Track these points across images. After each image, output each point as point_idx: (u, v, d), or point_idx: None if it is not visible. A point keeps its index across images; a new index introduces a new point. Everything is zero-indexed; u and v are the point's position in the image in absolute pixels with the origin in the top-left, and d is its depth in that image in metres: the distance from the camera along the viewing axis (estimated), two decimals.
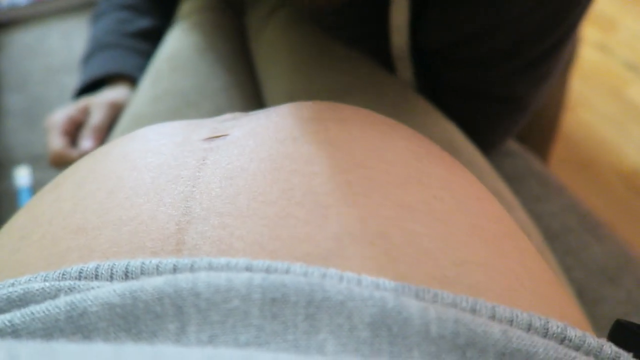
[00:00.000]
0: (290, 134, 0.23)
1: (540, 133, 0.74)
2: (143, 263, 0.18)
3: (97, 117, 0.55)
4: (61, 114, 0.55)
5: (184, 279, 0.16)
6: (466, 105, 0.47)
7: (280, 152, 0.22)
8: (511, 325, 0.17)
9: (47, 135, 0.55)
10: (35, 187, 0.63)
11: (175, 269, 0.17)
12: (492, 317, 0.17)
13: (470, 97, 0.47)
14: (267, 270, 0.17)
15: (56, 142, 0.53)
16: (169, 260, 0.18)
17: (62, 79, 0.73)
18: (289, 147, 0.22)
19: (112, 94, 0.57)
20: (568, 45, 0.43)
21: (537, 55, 0.42)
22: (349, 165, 0.22)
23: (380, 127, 0.25)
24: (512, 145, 0.58)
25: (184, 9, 0.63)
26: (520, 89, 0.46)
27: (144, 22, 0.63)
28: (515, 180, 0.55)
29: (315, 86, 0.46)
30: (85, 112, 0.56)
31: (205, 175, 0.22)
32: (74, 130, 0.55)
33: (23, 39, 0.78)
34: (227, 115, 0.28)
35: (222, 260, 0.17)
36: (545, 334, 0.17)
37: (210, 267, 0.17)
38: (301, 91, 0.47)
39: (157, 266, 0.18)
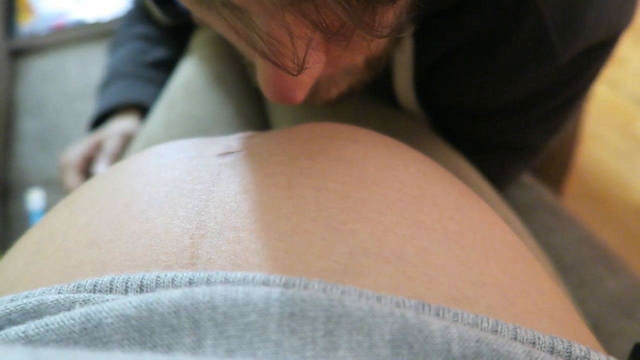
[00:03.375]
0: (304, 151, 0.23)
1: (555, 167, 0.74)
2: (158, 276, 0.18)
3: (111, 145, 0.55)
4: (76, 153, 0.56)
5: (200, 292, 0.16)
6: (478, 151, 0.46)
7: (294, 168, 0.22)
8: (534, 346, 0.17)
9: (63, 174, 0.55)
10: (48, 210, 0.63)
11: (191, 283, 0.17)
12: (514, 338, 0.16)
13: (482, 145, 0.46)
14: (285, 285, 0.17)
15: (73, 181, 0.54)
16: (185, 274, 0.18)
17: (78, 105, 0.74)
18: (303, 164, 0.23)
19: (124, 124, 0.58)
20: (583, 97, 0.42)
21: (551, 109, 0.41)
22: (363, 183, 0.22)
23: (393, 149, 0.25)
24: (524, 177, 0.58)
25: (197, 40, 0.64)
26: (533, 139, 0.45)
27: (159, 53, 0.64)
28: (527, 212, 0.54)
29: (321, 119, 0.47)
30: (99, 147, 0.57)
31: (219, 189, 0.22)
32: (88, 168, 0.56)
33: (41, 66, 0.80)
34: (242, 134, 0.28)
35: (239, 274, 0.17)
36: (569, 357, 0.17)
37: (227, 281, 0.17)
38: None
39: (173, 279, 0.17)
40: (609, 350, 0.44)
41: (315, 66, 0.25)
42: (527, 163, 0.49)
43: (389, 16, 0.22)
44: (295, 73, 0.23)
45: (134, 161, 0.25)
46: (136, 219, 0.21)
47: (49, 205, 0.64)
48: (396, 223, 0.20)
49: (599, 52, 0.36)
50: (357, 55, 0.28)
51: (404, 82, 0.43)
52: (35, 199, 0.64)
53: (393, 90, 0.45)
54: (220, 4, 0.22)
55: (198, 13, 0.25)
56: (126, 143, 0.56)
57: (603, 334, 0.46)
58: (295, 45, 0.22)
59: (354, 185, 0.21)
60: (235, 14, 0.22)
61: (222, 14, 0.22)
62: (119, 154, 0.56)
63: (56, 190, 0.65)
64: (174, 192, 0.22)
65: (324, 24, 0.21)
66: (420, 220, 0.20)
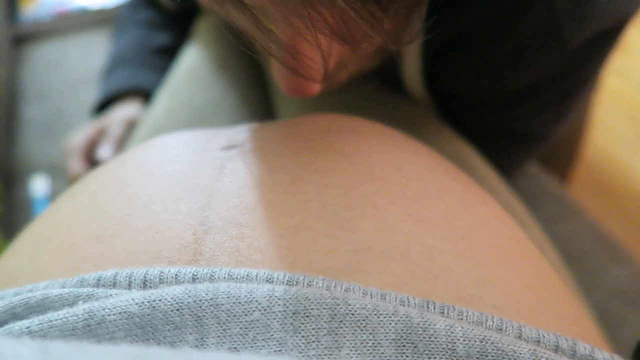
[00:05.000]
0: (307, 145, 0.23)
1: (562, 156, 0.73)
2: (162, 272, 0.17)
3: (115, 131, 0.55)
4: (80, 137, 0.56)
5: (204, 289, 0.15)
6: (485, 139, 0.46)
7: (298, 163, 0.22)
8: (538, 345, 0.16)
9: (66, 159, 0.55)
10: (53, 197, 0.64)
11: (194, 279, 0.17)
12: (519, 336, 0.16)
13: (489, 133, 0.46)
14: (289, 283, 0.17)
15: (77, 166, 0.54)
16: (188, 270, 0.17)
17: (81, 92, 0.74)
18: (306, 158, 0.22)
19: (128, 110, 0.58)
20: (590, 84, 0.41)
21: (557, 96, 0.40)
22: (367, 178, 0.21)
23: (397, 142, 0.25)
24: (530, 166, 0.58)
25: (201, 26, 0.64)
26: (539, 127, 0.45)
27: (162, 39, 0.64)
28: (532, 201, 0.54)
29: (326, 106, 0.46)
30: (102, 132, 0.57)
31: (222, 184, 0.22)
32: (91, 154, 0.56)
33: (45, 52, 0.80)
34: (245, 126, 0.27)
35: (242, 270, 0.17)
36: (573, 355, 0.17)
37: (230, 278, 0.17)
38: (313, 111, 0.46)
39: (176, 275, 0.17)
40: (615, 340, 0.44)
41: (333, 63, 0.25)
42: (533, 151, 0.49)
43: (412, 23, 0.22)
44: (321, 81, 0.23)
45: (137, 153, 0.25)
46: (139, 214, 0.20)
47: (52, 192, 0.64)
48: (401, 220, 0.20)
49: (607, 38, 0.36)
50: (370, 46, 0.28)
51: (411, 68, 0.42)
52: (39, 185, 0.64)
53: (401, 76, 0.44)
54: (242, 9, 0.21)
55: (223, 13, 0.24)
56: (129, 129, 0.56)
57: (608, 324, 0.46)
58: (326, 59, 0.22)
59: (358, 180, 0.21)
60: (261, 29, 0.22)
61: (243, 17, 0.22)
62: (123, 140, 0.56)
63: (60, 176, 0.65)
64: (177, 186, 0.22)
65: (351, 36, 0.21)
66: (425, 217, 0.20)
